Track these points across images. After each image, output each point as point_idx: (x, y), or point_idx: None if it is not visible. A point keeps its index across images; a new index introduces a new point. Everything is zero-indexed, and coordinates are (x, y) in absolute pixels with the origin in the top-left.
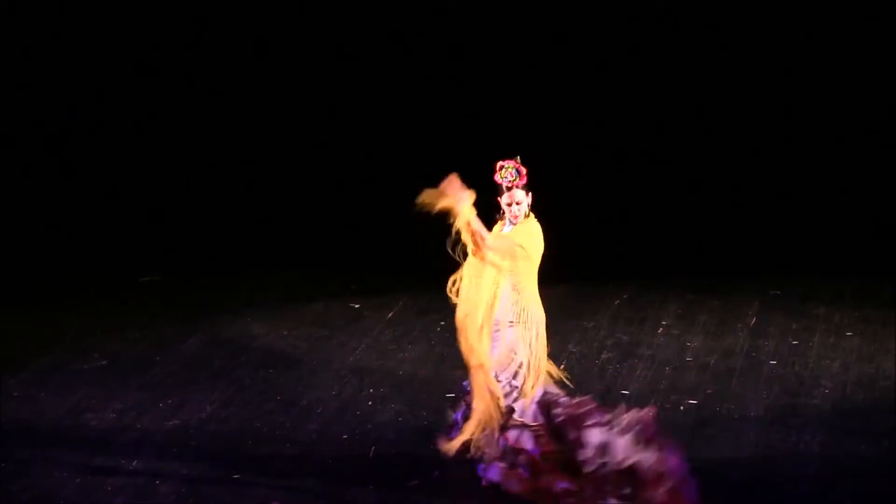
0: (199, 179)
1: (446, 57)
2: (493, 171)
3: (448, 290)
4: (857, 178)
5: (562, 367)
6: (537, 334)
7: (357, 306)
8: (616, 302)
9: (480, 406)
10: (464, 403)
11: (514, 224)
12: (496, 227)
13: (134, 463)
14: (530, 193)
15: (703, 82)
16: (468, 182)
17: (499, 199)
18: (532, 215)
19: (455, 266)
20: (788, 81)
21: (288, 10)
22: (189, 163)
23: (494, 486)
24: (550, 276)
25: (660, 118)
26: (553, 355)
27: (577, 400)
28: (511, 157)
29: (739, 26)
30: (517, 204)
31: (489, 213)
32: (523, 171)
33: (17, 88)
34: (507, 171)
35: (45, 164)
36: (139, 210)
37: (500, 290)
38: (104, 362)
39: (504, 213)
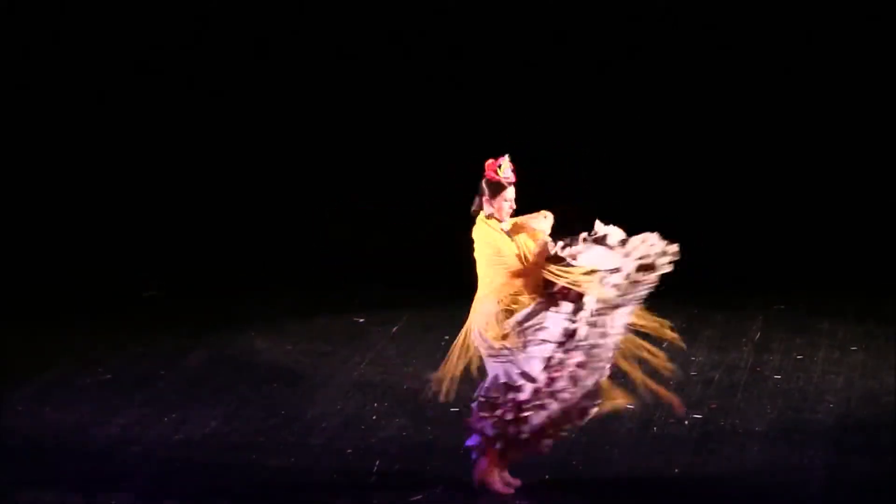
0: (202, 194)
1: (446, 57)
2: (486, 172)
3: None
4: (862, 193)
5: None
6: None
7: (361, 321)
8: None
9: None
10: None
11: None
12: (495, 224)
13: (138, 478)
14: None
15: (702, 93)
16: (467, 182)
17: (487, 199)
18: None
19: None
20: (788, 96)
21: (288, 10)
22: (192, 179)
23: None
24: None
25: (662, 129)
26: None
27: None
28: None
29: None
30: (512, 200)
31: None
32: (512, 166)
33: (17, 88)
34: (506, 168)
35: (48, 178)
36: (142, 225)
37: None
38: (108, 377)
39: (502, 211)
